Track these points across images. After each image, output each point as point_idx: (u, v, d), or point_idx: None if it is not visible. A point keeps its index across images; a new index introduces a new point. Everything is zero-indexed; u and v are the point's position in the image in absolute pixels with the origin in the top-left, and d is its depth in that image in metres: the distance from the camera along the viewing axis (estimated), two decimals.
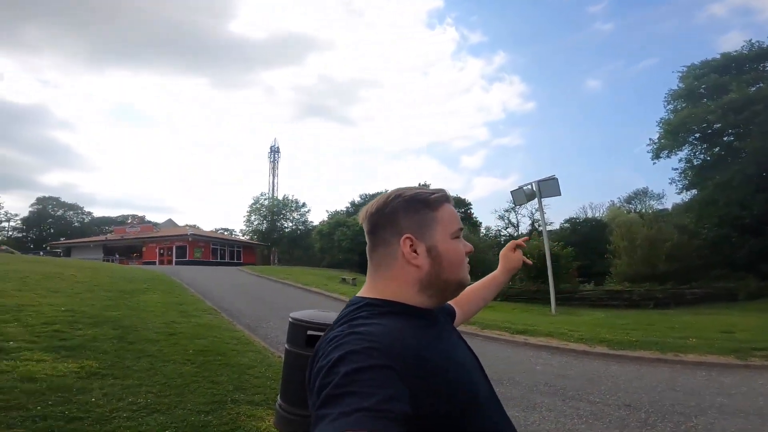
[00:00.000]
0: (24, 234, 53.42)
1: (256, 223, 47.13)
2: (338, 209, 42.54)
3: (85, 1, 74.19)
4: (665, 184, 71.11)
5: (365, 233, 0.78)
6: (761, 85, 19.14)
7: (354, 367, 0.54)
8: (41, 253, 34.71)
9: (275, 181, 52.46)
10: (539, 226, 37.14)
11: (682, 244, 17.70)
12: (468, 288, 1.07)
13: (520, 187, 13.59)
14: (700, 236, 19.58)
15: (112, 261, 32.60)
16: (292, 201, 48.11)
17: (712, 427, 3.66)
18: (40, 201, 55.52)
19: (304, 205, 48.72)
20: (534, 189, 13.16)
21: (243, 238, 48.42)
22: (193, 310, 8.26)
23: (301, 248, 44.39)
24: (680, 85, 21.87)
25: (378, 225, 0.76)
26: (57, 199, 56.88)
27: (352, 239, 33.36)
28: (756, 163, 17.75)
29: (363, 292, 0.76)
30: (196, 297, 10.64)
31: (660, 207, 38.58)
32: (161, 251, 36.87)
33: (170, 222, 49.39)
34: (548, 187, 12.98)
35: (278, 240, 45.24)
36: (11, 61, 75.90)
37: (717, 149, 20.98)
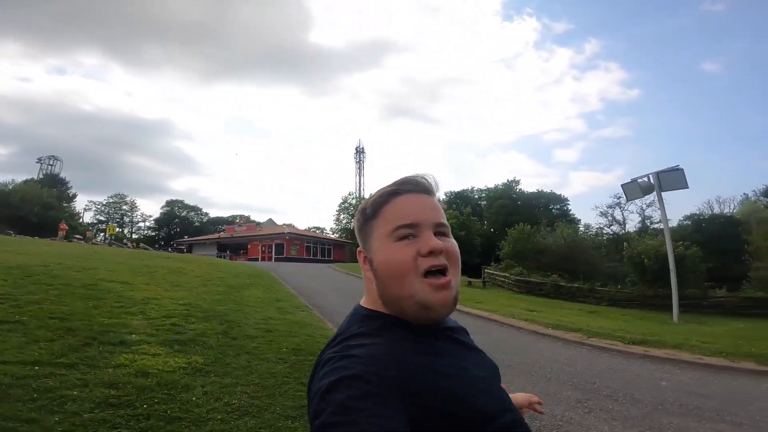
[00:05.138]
0: (156, 233, 63.24)
1: (345, 221, 49.27)
2: None
3: (196, 21, 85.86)
4: None
5: None
6: None
7: (348, 395, 0.52)
8: (169, 249, 40.67)
9: (361, 180, 54.32)
10: (651, 223, 32.57)
11: None
12: None
13: (634, 180, 11.87)
14: None
15: (224, 257, 36.75)
16: None
17: None
18: (169, 203, 65.27)
19: None
20: (652, 182, 11.36)
21: (333, 236, 51.02)
22: (289, 306, 8.70)
23: None
24: None
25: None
26: (182, 202, 66.43)
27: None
28: None
29: (363, 300, 0.73)
30: (291, 293, 11.29)
31: None
32: (263, 248, 40.64)
33: (271, 222, 54.20)
34: (671, 178, 11.08)
35: None
36: (139, 78, 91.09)
37: None
